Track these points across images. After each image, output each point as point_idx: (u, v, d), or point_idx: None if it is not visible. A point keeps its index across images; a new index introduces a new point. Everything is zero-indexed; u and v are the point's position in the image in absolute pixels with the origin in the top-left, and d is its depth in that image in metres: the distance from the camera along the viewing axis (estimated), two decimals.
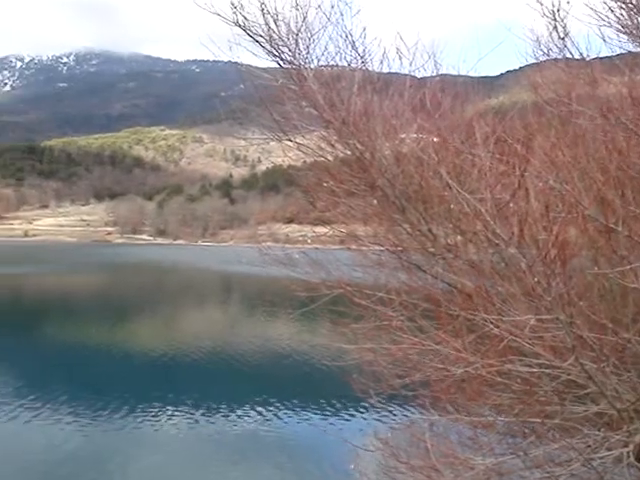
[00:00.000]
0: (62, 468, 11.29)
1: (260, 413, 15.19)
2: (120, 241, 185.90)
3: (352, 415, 15.46)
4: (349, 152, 6.62)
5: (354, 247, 7.39)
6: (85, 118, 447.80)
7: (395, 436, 7.80)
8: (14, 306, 36.71)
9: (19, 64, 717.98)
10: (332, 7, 6.75)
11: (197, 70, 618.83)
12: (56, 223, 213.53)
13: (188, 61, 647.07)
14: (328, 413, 15.57)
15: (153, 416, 14.27)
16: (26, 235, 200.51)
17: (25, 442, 12.27)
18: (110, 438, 12.64)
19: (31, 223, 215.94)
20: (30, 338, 24.90)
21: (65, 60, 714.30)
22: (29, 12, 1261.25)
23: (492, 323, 5.26)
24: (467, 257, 6.35)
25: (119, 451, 12.14)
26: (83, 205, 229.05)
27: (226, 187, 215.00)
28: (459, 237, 6.44)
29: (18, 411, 14.03)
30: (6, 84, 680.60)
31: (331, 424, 14.79)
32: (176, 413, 14.59)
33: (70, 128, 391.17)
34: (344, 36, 6.81)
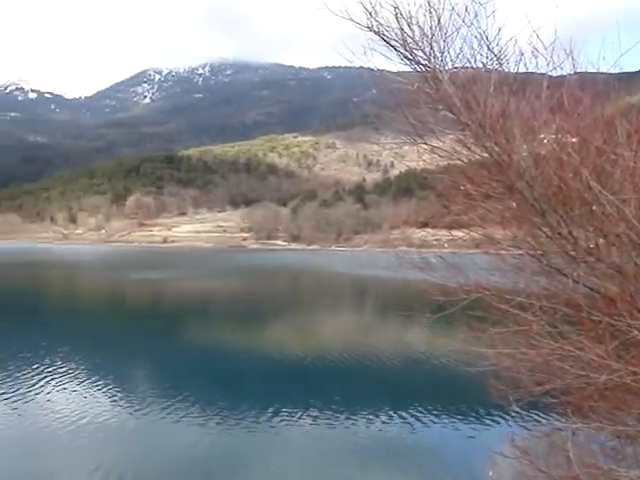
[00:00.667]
0: (198, 466, 11.57)
1: (394, 417, 15.09)
2: (255, 247, 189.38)
3: (489, 421, 15.14)
4: (486, 155, 6.52)
5: (492, 251, 7.25)
6: (220, 127, 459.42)
7: (534, 444, 7.63)
8: (155, 310, 37.92)
9: (157, 77, 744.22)
10: (466, 8, 6.69)
11: (329, 77, 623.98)
12: (193, 229, 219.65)
13: (320, 68, 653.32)
14: (465, 419, 15.31)
15: (287, 418, 14.41)
16: (165, 241, 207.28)
17: (167, 442, 12.62)
18: (246, 439, 12.84)
19: (170, 230, 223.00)
20: (170, 341, 25.65)
21: (201, 71, 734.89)
22: (166, 26, 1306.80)
23: (637, 329, 5.14)
24: (610, 260, 6.13)
25: (253, 452, 12.32)
26: (219, 212, 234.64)
27: (359, 192, 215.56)
28: (601, 240, 6.23)
29: (161, 411, 14.46)
30: (145, 97, 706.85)
31: (468, 430, 14.53)
32: (310, 416, 14.66)
33: (206, 137, 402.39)
34: (479, 37, 6.72)
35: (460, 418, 15.31)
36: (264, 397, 16.34)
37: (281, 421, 14.07)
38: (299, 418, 14.40)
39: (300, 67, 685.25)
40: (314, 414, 14.75)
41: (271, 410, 14.81)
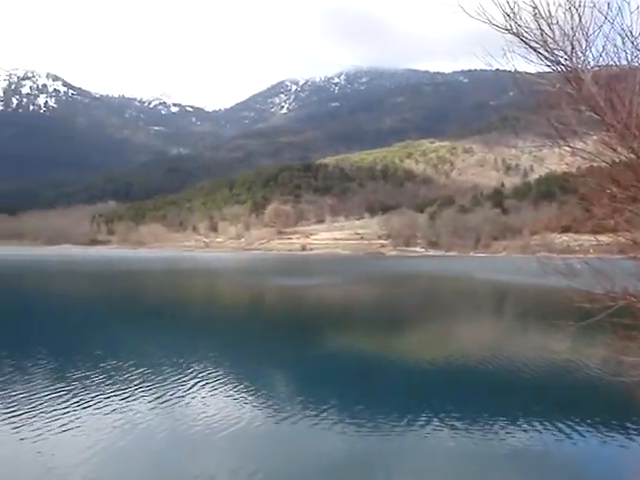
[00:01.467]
0: (336, 472, 11.57)
1: (535, 430, 14.57)
2: (393, 253, 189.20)
3: (636, 436, 14.41)
4: (633, 156, 6.26)
5: None
6: (357, 134, 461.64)
7: None
8: (294, 316, 38.39)
9: (294, 87, 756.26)
10: (608, 5, 6.47)
11: (465, 80, 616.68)
12: (331, 237, 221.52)
13: (456, 72, 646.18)
14: (612, 432, 14.61)
15: (424, 426, 14.18)
16: (303, 249, 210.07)
17: (305, 447, 12.69)
18: (383, 447, 12.74)
19: (308, 237, 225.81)
20: (309, 347, 25.90)
21: (336, 80, 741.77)
22: (302, 38, 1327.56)
23: None
24: None
25: (391, 460, 12.21)
26: (357, 219, 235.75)
27: (498, 197, 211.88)
28: None
29: (300, 416, 14.60)
30: (283, 107, 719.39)
31: (615, 445, 13.83)
32: (448, 425, 14.36)
33: (343, 145, 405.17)
34: (623, 34, 6.48)
35: (607, 432, 14.62)
36: (401, 404, 16.22)
37: (418, 429, 13.91)
38: (436, 427, 14.19)
39: (435, 72, 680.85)
40: (451, 423, 14.50)
41: (408, 418, 14.67)
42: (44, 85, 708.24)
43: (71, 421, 13.41)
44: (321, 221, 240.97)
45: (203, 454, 11.85)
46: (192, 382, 17.46)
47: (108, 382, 17.19)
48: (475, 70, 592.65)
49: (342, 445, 12.63)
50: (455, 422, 14.48)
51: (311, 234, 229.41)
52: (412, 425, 14.11)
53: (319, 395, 16.60)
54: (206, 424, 13.53)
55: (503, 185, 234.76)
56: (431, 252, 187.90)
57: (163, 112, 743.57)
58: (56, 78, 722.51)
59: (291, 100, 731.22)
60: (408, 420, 14.47)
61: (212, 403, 15.24)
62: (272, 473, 11.14)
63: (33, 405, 14.61)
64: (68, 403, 14.99)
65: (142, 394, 15.87)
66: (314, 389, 17.85)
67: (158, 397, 15.49)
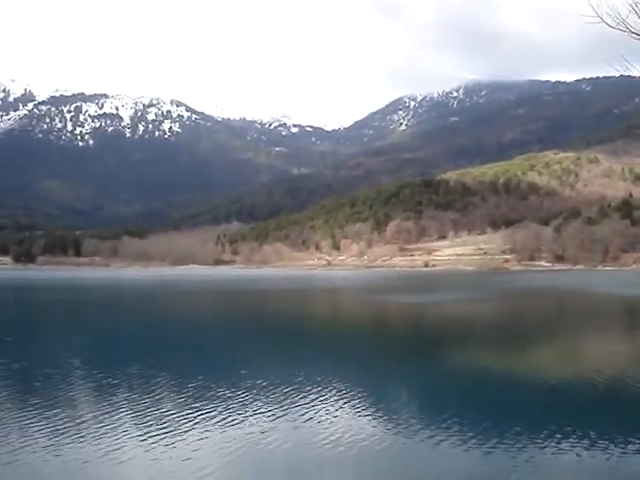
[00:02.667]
0: None
1: None
2: (517, 268, 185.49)
3: None
4: None
5: None
6: (477, 148, 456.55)
7: None
8: (419, 332, 38.22)
9: (412, 104, 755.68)
10: None
11: (587, 89, 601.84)
12: (454, 253, 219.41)
13: (578, 81, 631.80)
14: None
15: (551, 445, 13.75)
16: (426, 265, 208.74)
17: (426, 464, 12.55)
18: (508, 466, 12.45)
19: (430, 254, 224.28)
20: (431, 363, 25.69)
21: (455, 94, 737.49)
22: (418, 54, 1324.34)
23: None
24: None
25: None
26: (479, 234, 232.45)
27: (626, 207, 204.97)
28: None
29: (420, 433, 14.49)
30: (402, 123, 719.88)
31: None
32: (576, 444, 13.89)
33: (463, 159, 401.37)
34: None
35: None
36: (528, 423, 15.82)
37: (546, 450, 13.50)
38: (569, 446, 13.72)
39: (556, 81, 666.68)
40: (583, 443, 14.01)
41: (535, 437, 14.26)
42: (168, 111, 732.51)
43: (202, 438, 13.76)
44: (443, 237, 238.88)
45: (327, 472, 11.95)
46: (314, 398, 17.60)
47: (232, 398, 17.51)
48: (597, 78, 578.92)
49: (466, 465, 12.42)
50: (586, 442, 14.00)
51: (434, 250, 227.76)
52: (539, 444, 13.73)
53: (442, 413, 16.39)
54: (329, 441, 13.56)
55: (631, 195, 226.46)
56: (557, 266, 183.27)
57: (284, 133, 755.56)
58: (179, 104, 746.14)
59: (410, 116, 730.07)
60: (534, 439, 14.11)
61: (334, 420, 15.29)
62: None
63: (171, 421, 15.04)
64: (194, 417, 15.40)
65: (267, 411, 16.09)
66: (437, 407, 17.67)
67: (282, 414, 15.69)
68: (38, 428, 14.22)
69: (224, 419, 15.23)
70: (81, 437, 13.53)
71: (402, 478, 11.76)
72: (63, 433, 13.73)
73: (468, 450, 13.10)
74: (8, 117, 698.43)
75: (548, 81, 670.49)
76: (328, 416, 15.69)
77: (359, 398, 18.02)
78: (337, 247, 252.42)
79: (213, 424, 14.74)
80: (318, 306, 63.23)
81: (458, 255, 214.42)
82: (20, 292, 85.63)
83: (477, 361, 25.69)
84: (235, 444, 13.21)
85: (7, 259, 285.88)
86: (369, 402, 17.66)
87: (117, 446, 12.94)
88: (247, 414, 15.68)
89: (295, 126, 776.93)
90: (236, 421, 15.01)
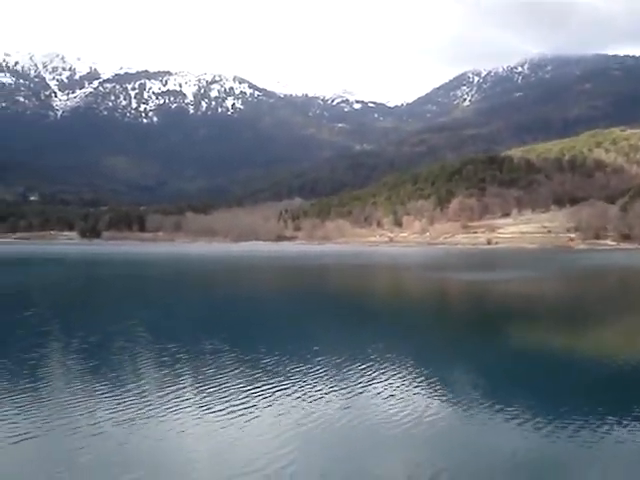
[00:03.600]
0: (525, 472, 11.54)
1: None
2: (582, 247, 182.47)
3: None
4: None
5: None
6: (542, 124, 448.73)
7: None
8: (482, 310, 38.23)
9: (476, 79, 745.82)
10: None
11: None
12: (517, 230, 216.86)
13: None
14: None
15: (613, 429, 13.74)
16: (489, 243, 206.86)
17: (488, 445, 12.71)
18: (573, 449, 12.53)
19: (493, 231, 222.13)
20: (495, 342, 25.83)
21: (519, 70, 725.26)
22: (482, 29, 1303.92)
23: None
24: None
25: (570, 464, 12.04)
26: (543, 212, 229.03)
27: None
28: None
29: (485, 413, 14.70)
30: (465, 99, 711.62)
31: None
32: (635, 430, 13.87)
33: (528, 136, 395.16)
34: None
35: None
36: (591, 404, 15.84)
37: (610, 433, 13.52)
38: (630, 430, 13.73)
39: (625, 55, 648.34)
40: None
41: (600, 419, 14.28)
42: (231, 88, 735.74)
43: (259, 414, 13.99)
44: (507, 214, 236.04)
45: (386, 449, 12.09)
46: (377, 375, 17.84)
47: (298, 375, 17.75)
48: None
49: (525, 446, 12.52)
50: None
51: (496, 228, 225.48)
52: (603, 428, 13.73)
53: (505, 393, 16.51)
54: (391, 418, 13.70)
55: None
56: (623, 245, 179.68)
57: (346, 109, 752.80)
58: (242, 81, 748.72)
59: (474, 92, 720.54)
60: (598, 421, 14.11)
61: (396, 397, 15.40)
62: (456, 471, 11.25)
63: (242, 397, 15.36)
64: (264, 394, 15.71)
65: (327, 387, 16.33)
66: (500, 386, 17.76)
67: (346, 390, 15.93)
68: (112, 404, 14.63)
69: (291, 395, 15.39)
70: (156, 412, 13.88)
71: (463, 456, 11.89)
72: (137, 409, 14.08)
73: (531, 432, 13.24)
74: (74, 95, 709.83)
75: (616, 55, 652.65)
76: (391, 393, 15.85)
77: (421, 376, 18.17)
78: (399, 224, 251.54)
79: (280, 400, 14.86)
80: (380, 282, 63.54)
81: (521, 233, 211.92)
82: (87, 267, 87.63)
83: (541, 340, 25.77)
84: (302, 420, 13.44)
85: (73, 234, 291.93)
86: (431, 380, 17.77)
87: (190, 422, 13.21)
88: (311, 391, 15.90)
89: (357, 102, 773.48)
90: (302, 398, 15.19)
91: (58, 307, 37.60)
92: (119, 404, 14.35)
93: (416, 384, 17.11)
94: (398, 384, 16.91)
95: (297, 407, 14.27)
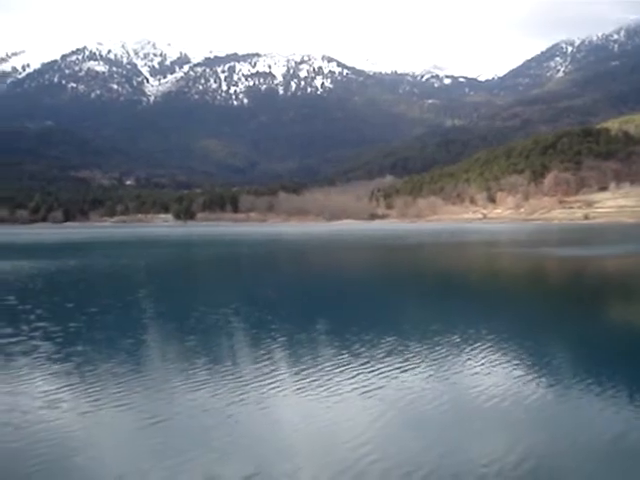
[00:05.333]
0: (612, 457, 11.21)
1: None
2: None
3: None
4: None
5: None
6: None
7: None
8: (579, 287, 37.34)
9: (570, 49, 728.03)
10: None
11: None
12: (616, 205, 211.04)
13: None
14: None
15: None
16: (586, 218, 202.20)
17: (587, 428, 12.44)
18: None
19: (590, 206, 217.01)
20: (591, 319, 25.15)
21: (615, 37, 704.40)
22: None
23: None
24: None
25: None
26: None
27: None
28: None
29: (584, 392, 14.41)
30: (559, 70, 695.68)
31: None
32: None
33: (626, 106, 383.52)
34: None
35: None
36: None
37: None
38: None
39: None
40: None
41: None
42: (320, 67, 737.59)
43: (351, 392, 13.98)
44: (604, 188, 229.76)
45: (483, 430, 12.00)
46: (469, 355, 17.60)
47: (390, 353, 17.70)
48: None
49: (630, 431, 12.25)
50: None
51: (594, 202, 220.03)
52: None
53: (602, 374, 16.13)
54: (485, 400, 13.62)
55: None
56: None
57: (436, 85, 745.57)
58: (331, 60, 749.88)
59: (567, 62, 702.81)
60: None
61: (488, 378, 15.21)
62: (556, 457, 11.05)
63: (330, 378, 15.39)
64: (356, 373, 15.71)
65: (419, 367, 16.20)
66: (597, 366, 17.35)
67: (439, 370, 15.78)
68: (210, 386, 14.91)
69: (387, 376, 15.29)
70: (255, 393, 14.02)
71: (564, 442, 11.70)
72: (238, 390, 14.30)
73: (637, 416, 12.97)
74: (165, 80, 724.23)
75: None
76: (484, 373, 15.66)
77: (516, 355, 17.84)
78: (492, 200, 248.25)
79: (375, 381, 14.83)
80: (475, 259, 62.83)
81: (620, 207, 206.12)
82: (195, 247, 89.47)
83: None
84: (398, 402, 13.18)
85: (168, 216, 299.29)
86: (526, 359, 17.42)
87: (289, 404, 13.08)
88: (402, 370, 15.69)
89: (447, 77, 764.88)
90: (393, 377, 15.11)
91: (171, 287, 38.58)
92: (218, 385, 14.46)
93: (509, 364, 16.80)
94: (496, 363, 16.70)
95: (393, 388, 13.97)
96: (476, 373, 15.52)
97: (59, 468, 9.58)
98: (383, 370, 15.51)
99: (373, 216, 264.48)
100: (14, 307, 26.33)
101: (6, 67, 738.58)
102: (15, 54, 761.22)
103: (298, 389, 13.79)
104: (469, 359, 17.01)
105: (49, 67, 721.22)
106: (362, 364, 16.04)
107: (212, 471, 9.35)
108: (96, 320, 23.18)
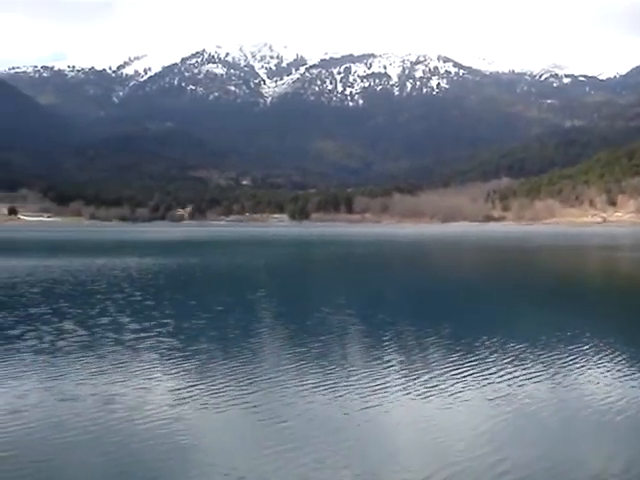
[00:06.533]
0: None
1: None
2: None
3: None
4: None
5: None
6: None
7: None
8: None
9: None
10: None
11: None
12: None
13: None
14: None
15: None
16: None
17: None
18: None
19: None
20: None
21: None
22: None
23: None
24: None
25: None
26: None
27: None
28: None
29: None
30: None
31: None
32: None
33: None
34: None
35: None
36: None
37: None
38: None
39: None
40: None
41: None
42: (436, 67, 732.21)
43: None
44: None
45: (592, 438, 11.83)
46: (599, 364, 17.26)
47: (508, 359, 17.70)
48: None
49: None
50: None
51: None
52: None
53: None
54: (594, 406, 13.34)
55: None
56: None
57: (555, 84, 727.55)
58: (447, 60, 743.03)
59: None
60: None
61: (622, 390, 15.00)
62: None
63: (445, 377, 15.42)
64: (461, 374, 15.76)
65: (545, 374, 15.94)
66: None
67: (562, 379, 15.63)
68: (319, 377, 15.13)
69: (507, 381, 15.06)
70: (365, 389, 14.09)
71: None
72: (356, 390, 14.19)
73: None
74: (282, 82, 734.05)
75: None
76: (617, 385, 15.55)
77: (627, 364, 17.53)
78: (613, 203, 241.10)
79: (495, 385, 14.65)
80: (600, 264, 61.78)
81: None
82: (317, 247, 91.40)
83: None
84: (517, 408, 13.11)
85: (283, 216, 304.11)
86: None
87: (399, 402, 13.29)
88: (527, 378, 15.41)
89: (567, 76, 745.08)
90: (518, 385, 14.77)
91: (293, 286, 39.79)
92: (339, 387, 14.53)
93: (620, 370, 16.56)
94: (632, 376, 16.44)
95: (517, 396, 13.84)
96: (607, 385, 14.93)
97: (184, 461, 9.99)
98: (508, 376, 15.38)
99: (488, 218, 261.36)
100: (140, 302, 27.94)
101: (128, 71, 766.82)
102: (137, 58, 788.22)
103: (420, 393, 13.80)
104: (600, 368, 16.38)
105: (169, 70, 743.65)
106: (487, 369, 16.03)
107: (328, 471, 9.50)
108: (220, 318, 24.25)
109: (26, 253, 70.57)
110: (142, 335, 19.96)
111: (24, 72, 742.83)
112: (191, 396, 13.35)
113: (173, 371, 15.69)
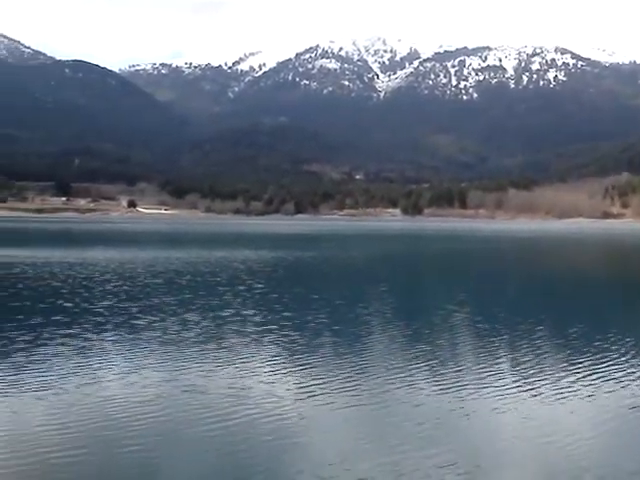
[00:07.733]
0: None
1: None
2: None
3: None
4: None
5: None
6: None
7: None
8: None
9: None
10: None
11: None
12: None
13: None
14: None
15: None
16: None
17: None
18: None
19: None
20: None
21: None
22: None
23: None
24: None
25: None
26: None
27: None
28: None
29: None
30: None
31: None
32: None
33: None
34: None
35: None
36: None
37: None
38: None
39: None
40: None
41: None
42: (553, 59, 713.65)
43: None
44: None
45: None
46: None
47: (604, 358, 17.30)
48: None
49: None
50: None
51: None
52: None
53: None
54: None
55: None
56: None
57: None
58: (564, 51, 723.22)
59: None
60: None
61: None
62: None
63: (548, 376, 15.37)
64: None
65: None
66: None
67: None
68: (430, 374, 15.49)
69: (611, 381, 15.01)
70: (477, 392, 14.16)
71: None
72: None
73: None
74: (395, 76, 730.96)
75: None
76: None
77: None
78: None
79: (598, 386, 14.60)
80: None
81: None
82: (438, 242, 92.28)
83: None
84: (618, 407, 13.02)
85: (396, 211, 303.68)
86: None
87: (505, 401, 13.36)
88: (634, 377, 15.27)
89: None
90: (622, 385, 14.68)
91: (416, 282, 40.94)
92: (438, 375, 15.24)
93: None
94: None
95: (618, 396, 13.74)
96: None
97: (282, 448, 10.62)
98: (612, 376, 15.21)
99: (606, 215, 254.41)
100: (262, 295, 29.46)
101: (244, 66, 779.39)
102: (252, 54, 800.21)
103: (538, 394, 13.74)
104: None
105: (284, 66, 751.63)
106: (616, 372, 15.64)
107: (434, 469, 9.56)
108: (340, 312, 25.42)
109: (145, 245, 73.80)
110: (265, 328, 20.83)
111: (143, 70, 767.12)
112: (309, 392, 13.82)
113: (295, 366, 16.33)
